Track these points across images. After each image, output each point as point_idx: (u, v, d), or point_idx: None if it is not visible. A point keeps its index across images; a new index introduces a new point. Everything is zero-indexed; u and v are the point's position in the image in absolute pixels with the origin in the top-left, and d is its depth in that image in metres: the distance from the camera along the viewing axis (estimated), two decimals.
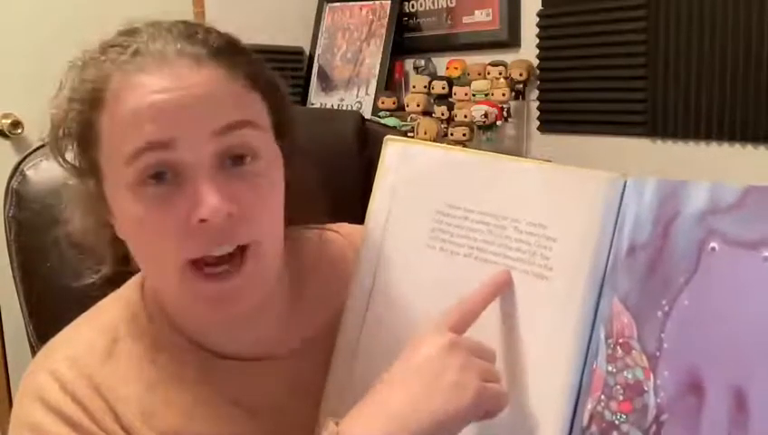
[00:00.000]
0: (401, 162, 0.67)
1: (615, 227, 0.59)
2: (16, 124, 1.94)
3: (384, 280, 0.66)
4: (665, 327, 0.54)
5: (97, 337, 0.65)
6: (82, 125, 0.60)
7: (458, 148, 0.70)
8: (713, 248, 0.53)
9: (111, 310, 0.68)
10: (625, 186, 0.59)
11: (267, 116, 0.63)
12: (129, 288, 0.69)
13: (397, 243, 0.66)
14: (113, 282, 0.71)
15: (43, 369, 0.64)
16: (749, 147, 1.61)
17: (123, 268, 0.69)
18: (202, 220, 0.56)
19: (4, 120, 1.94)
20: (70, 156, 0.63)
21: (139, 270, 0.66)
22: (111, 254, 0.68)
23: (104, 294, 0.70)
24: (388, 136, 0.70)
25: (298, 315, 0.70)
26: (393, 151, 0.68)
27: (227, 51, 0.60)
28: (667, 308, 0.54)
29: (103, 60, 0.59)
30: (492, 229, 0.62)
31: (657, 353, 0.54)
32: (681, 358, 0.53)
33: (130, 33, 0.60)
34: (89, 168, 0.62)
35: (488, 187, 0.64)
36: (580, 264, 0.59)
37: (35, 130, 2.07)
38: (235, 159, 0.58)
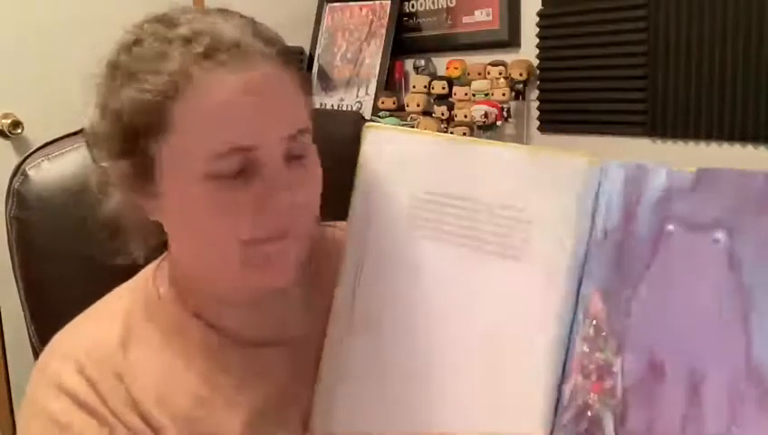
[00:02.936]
0: (379, 150, 0.69)
1: (594, 211, 0.60)
2: (16, 124, 1.94)
3: (369, 268, 0.67)
4: (629, 311, 0.56)
5: (112, 324, 0.67)
6: (149, 113, 0.60)
7: (436, 133, 0.72)
8: (670, 231, 0.54)
9: (124, 298, 0.69)
10: (602, 171, 0.60)
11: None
12: (139, 279, 0.71)
13: (379, 230, 0.67)
14: (123, 274, 0.72)
15: (59, 355, 0.65)
16: (749, 147, 1.61)
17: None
18: (271, 211, 0.61)
19: (4, 121, 1.94)
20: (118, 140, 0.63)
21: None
22: (142, 235, 0.70)
23: (107, 293, 0.71)
24: (367, 123, 0.71)
25: (310, 305, 0.72)
26: (372, 139, 0.69)
27: (288, 51, 0.64)
28: (630, 291, 0.56)
29: (181, 51, 0.59)
30: (466, 213, 0.64)
31: (623, 336, 0.56)
32: (644, 340, 0.54)
33: (200, 21, 0.61)
34: (139, 151, 0.62)
35: (463, 171, 0.65)
36: (558, 247, 0.60)
37: (35, 130, 2.09)
38: (293, 158, 0.62)
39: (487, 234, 0.63)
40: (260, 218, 0.61)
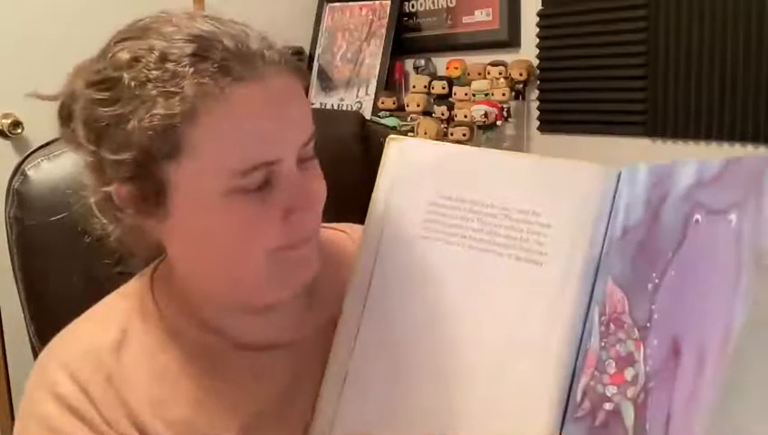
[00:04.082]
0: (400, 158, 0.69)
1: (610, 217, 0.61)
2: (16, 124, 1.94)
3: (382, 271, 0.68)
4: (655, 299, 0.56)
5: (107, 328, 0.66)
6: (163, 138, 0.57)
7: (455, 144, 0.74)
8: (697, 220, 0.55)
9: (121, 303, 0.69)
10: (619, 177, 0.61)
11: None
12: (136, 283, 0.71)
13: (394, 236, 0.68)
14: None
15: (54, 359, 0.65)
16: (749, 147, 1.61)
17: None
18: (298, 217, 0.61)
19: (4, 121, 1.94)
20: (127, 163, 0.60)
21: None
22: (144, 252, 0.71)
23: (106, 293, 0.71)
24: (390, 135, 0.72)
25: (310, 307, 0.72)
26: (394, 149, 0.70)
27: (290, 54, 0.63)
28: (656, 281, 0.56)
29: (192, 71, 0.56)
30: (482, 218, 0.64)
31: (648, 325, 0.56)
32: (668, 326, 0.55)
33: (208, 39, 0.58)
34: (149, 175, 0.60)
35: (480, 177, 0.66)
36: (575, 250, 0.61)
37: (35, 130, 2.08)
38: (302, 161, 0.63)
39: (503, 238, 0.63)
40: (287, 226, 0.61)
